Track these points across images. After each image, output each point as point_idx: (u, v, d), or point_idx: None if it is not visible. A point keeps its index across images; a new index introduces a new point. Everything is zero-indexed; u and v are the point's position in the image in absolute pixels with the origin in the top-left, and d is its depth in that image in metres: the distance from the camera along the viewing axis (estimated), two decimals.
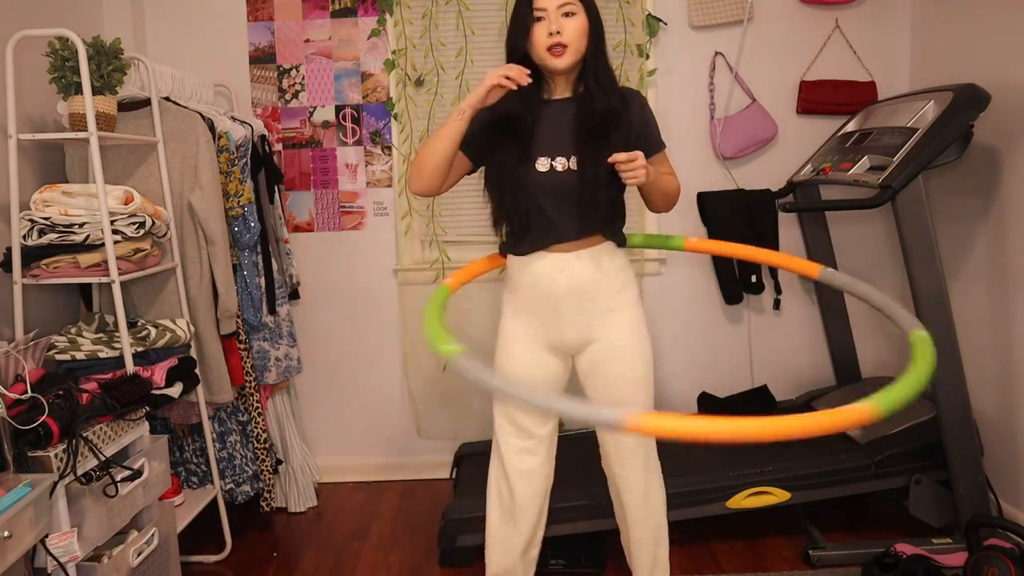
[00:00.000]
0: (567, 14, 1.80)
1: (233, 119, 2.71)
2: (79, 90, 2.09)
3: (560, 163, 1.85)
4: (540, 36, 1.81)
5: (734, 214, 3.02)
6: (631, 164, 1.73)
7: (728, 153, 3.05)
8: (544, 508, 2.04)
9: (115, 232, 2.14)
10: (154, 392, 2.14)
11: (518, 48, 1.85)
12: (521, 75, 1.74)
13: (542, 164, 1.85)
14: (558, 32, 1.79)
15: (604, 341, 1.92)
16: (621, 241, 1.94)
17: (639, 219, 3.04)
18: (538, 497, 2.00)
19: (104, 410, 1.90)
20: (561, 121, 1.87)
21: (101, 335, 2.23)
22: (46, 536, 1.66)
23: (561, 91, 1.91)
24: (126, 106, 2.42)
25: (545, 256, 1.88)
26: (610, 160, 1.73)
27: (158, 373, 2.18)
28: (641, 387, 1.94)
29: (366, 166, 3.10)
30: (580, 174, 1.82)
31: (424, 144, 1.90)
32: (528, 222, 1.87)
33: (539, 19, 1.82)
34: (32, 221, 2.11)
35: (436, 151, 1.85)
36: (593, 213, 1.85)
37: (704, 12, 3.00)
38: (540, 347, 1.94)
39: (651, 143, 1.91)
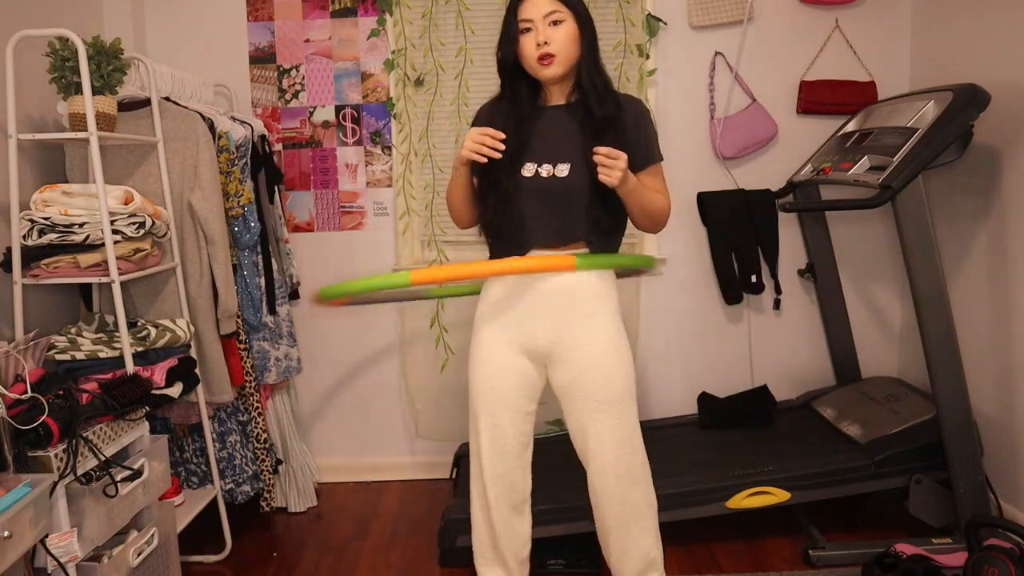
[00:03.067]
0: (554, 22, 1.79)
1: (233, 119, 2.71)
2: (79, 90, 2.09)
3: (546, 169, 1.83)
4: (529, 47, 1.81)
5: (734, 214, 3.02)
6: (610, 162, 1.70)
7: (728, 153, 3.05)
8: (526, 509, 2.03)
9: (115, 232, 2.14)
10: (154, 392, 2.14)
11: (507, 59, 1.86)
12: (494, 142, 1.75)
13: (528, 170, 1.84)
14: (545, 43, 1.78)
15: (578, 352, 1.87)
16: (605, 249, 1.90)
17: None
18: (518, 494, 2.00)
19: (104, 410, 1.90)
20: (554, 128, 1.87)
21: (101, 335, 2.23)
22: (46, 536, 1.66)
23: (556, 98, 1.90)
24: (126, 106, 2.42)
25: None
26: (595, 150, 1.71)
27: (158, 373, 2.18)
28: (623, 401, 1.89)
29: (366, 166, 3.10)
30: (565, 180, 1.80)
31: (447, 196, 1.98)
32: (510, 226, 1.86)
33: (526, 30, 1.81)
34: (32, 221, 2.11)
35: (455, 201, 1.94)
36: (575, 219, 1.83)
37: (704, 12, 3.00)
38: (513, 349, 1.91)
39: (644, 154, 1.87)
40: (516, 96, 1.89)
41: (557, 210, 1.84)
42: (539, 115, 1.89)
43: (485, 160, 1.77)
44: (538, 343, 1.90)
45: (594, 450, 1.90)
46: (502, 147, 1.76)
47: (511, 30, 1.83)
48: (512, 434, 1.94)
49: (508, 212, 1.85)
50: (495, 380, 1.92)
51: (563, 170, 1.82)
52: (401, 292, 2.36)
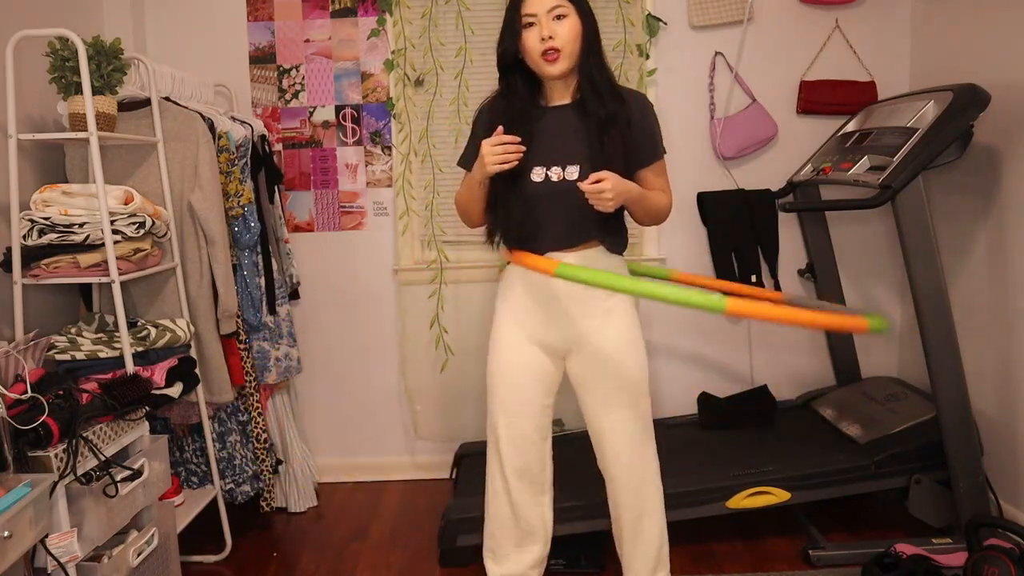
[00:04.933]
0: (558, 17, 1.77)
1: (233, 119, 2.71)
2: (79, 90, 2.09)
3: (555, 172, 1.83)
4: (532, 42, 1.79)
5: (734, 214, 3.02)
6: (596, 196, 1.70)
7: (728, 153, 3.05)
8: (547, 509, 2.04)
9: (115, 232, 2.14)
10: (154, 392, 2.14)
11: (507, 53, 1.84)
12: (517, 148, 1.75)
13: (537, 174, 1.83)
14: (550, 37, 1.76)
15: (596, 347, 1.89)
16: (618, 248, 1.92)
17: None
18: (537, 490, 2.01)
19: (104, 410, 1.90)
20: (559, 129, 1.85)
21: (101, 335, 2.23)
22: (46, 536, 1.66)
23: (560, 96, 1.89)
24: (126, 106, 2.42)
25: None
26: (579, 185, 1.72)
27: (158, 373, 2.18)
28: (638, 395, 1.92)
29: (366, 166, 3.10)
30: (575, 184, 1.79)
31: (458, 200, 1.96)
32: (524, 231, 1.86)
33: (530, 24, 1.79)
34: (32, 221, 2.11)
35: (472, 208, 1.92)
36: (587, 220, 1.83)
37: (704, 12, 2.99)
38: (531, 344, 1.94)
39: (649, 150, 1.88)
40: (515, 93, 1.87)
41: (570, 212, 1.83)
42: (543, 115, 1.88)
43: (514, 164, 1.77)
44: (555, 339, 1.92)
45: (609, 442, 1.94)
46: (523, 148, 1.76)
47: (514, 25, 1.81)
48: (530, 428, 1.96)
49: (520, 216, 1.85)
50: (512, 374, 1.94)
51: (573, 172, 1.82)
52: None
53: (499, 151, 1.74)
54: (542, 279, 1.88)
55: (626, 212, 1.92)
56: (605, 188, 1.69)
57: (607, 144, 1.80)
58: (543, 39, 1.77)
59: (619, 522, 2.02)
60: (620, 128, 1.81)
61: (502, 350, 1.96)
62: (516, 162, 1.76)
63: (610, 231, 1.89)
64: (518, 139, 1.76)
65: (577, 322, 1.89)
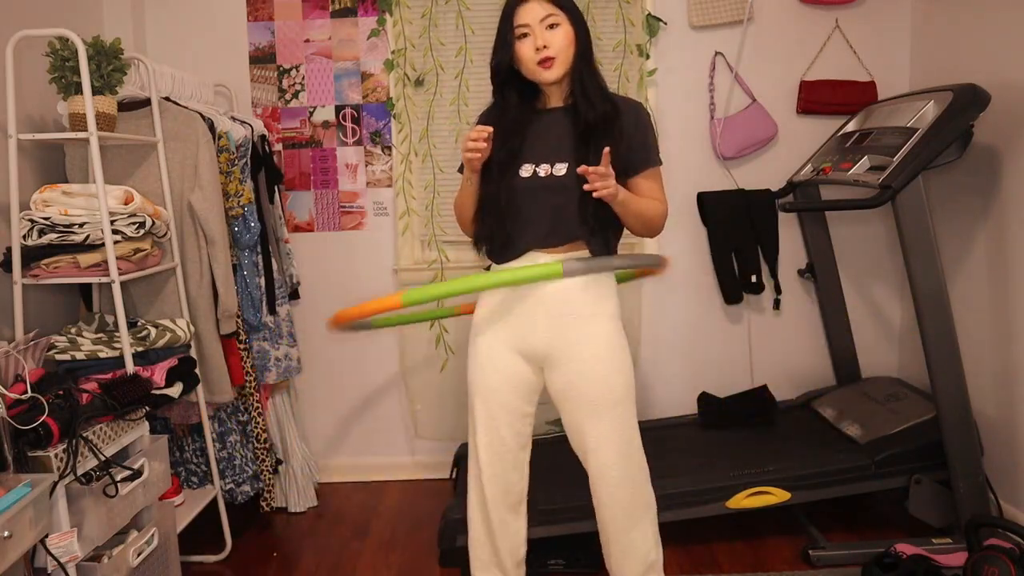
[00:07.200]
0: (551, 26, 1.79)
1: (233, 119, 2.71)
2: (79, 90, 2.09)
3: (543, 169, 1.83)
4: (527, 52, 1.81)
5: (734, 214, 3.02)
6: (598, 183, 1.69)
7: (728, 153, 3.05)
8: (523, 510, 2.03)
9: (115, 232, 2.14)
10: (154, 392, 2.14)
11: (502, 65, 1.86)
12: (480, 135, 1.76)
13: (526, 170, 1.85)
14: (545, 46, 1.79)
15: (579, 357, 1.86)
16: (605, 251, 1.90)
17: None
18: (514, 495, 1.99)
19: (104, 410, 1.90)
20: (552, 130, 1.87)
21: (101, 335, 2.23)
22: (46, 536, 1.66)
23: (555, 100, 1.90)
24: (126, 106, 2.42)
25: (523, 260, 1.87)
26: (579, 171, 1.70)
27: (158, 373, 2.18)
28: (623, 407, 1.88)
29: (366, 166, 3.11)
30: (563, 179, 1.80)
31: (455, 205, 1.97)
32: (508, 226, 1.86)
33: (523, 35, 1.81)
34: (32, 221, 2.11)
35: (466, 210, 1.93)
36: (572, 219, 1.83)
37: (704, 12, 3.00)
38: (510, 351, 1.91)
39: (643, 157, 1.87)
40: (509, 102, 1.89)
41: (555, 209, 1.84)
42: (537, 118, 1.89)
43: (483, 155, 1.77)
44: (535, 347, 1.89)
45: (593, 454, 1.91)
46: (490, 128, 1.77)
47: (507, 36, 1.83)
48: (509, 435, 1.94)
49: (506, 213, 1.85)
50: (492, 382, 1.92)
51: (560, 169, 1.83)
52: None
53: (468, 144, 1.77)
54: (519, 286, 1.87)
55: (623, 224, 1.92)
56: (604, 170, 1.69)
57: (594, 145, 1.80)
58: (538, 48, 1.79)
59: (606, 534, 1.98)
60: (607, 132, 1.82)
61: (481, 357, 1.94)
62: (481, 152, 1.77)
63: (595, 233, 1.86)
64: (490, 129, 1.77)
65: (556, 329, 1.87)
